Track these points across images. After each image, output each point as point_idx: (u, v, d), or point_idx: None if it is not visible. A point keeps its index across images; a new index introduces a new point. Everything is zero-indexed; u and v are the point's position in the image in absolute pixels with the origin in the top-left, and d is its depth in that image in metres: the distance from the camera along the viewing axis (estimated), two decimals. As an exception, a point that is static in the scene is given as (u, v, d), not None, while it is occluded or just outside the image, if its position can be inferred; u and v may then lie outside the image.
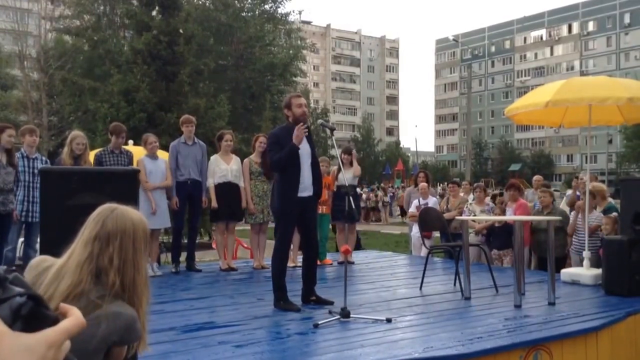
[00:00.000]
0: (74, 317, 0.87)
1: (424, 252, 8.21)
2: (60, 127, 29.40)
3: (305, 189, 5.46)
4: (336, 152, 6.74)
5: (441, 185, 35.08)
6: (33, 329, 0.79)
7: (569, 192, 9.68)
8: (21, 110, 30.18)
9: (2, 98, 32.12)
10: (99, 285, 1.91)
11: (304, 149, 5.46)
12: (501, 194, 9.19)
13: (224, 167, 7.65)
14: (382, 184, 39.62)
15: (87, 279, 1.89)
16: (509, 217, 7.70)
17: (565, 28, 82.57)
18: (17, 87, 33.98)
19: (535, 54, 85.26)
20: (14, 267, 1.00)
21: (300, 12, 43.59)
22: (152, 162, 7.40)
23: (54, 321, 0.83)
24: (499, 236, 8.14)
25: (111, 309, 1.86)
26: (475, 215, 8.23)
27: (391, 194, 29.02)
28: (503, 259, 8.18)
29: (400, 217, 28.14)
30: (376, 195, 30.79)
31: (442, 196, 13.86)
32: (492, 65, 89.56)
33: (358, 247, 14.12)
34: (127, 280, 1.93)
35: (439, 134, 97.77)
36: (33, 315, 0.81)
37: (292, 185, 5.38)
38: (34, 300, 0.83)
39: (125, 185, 3.57)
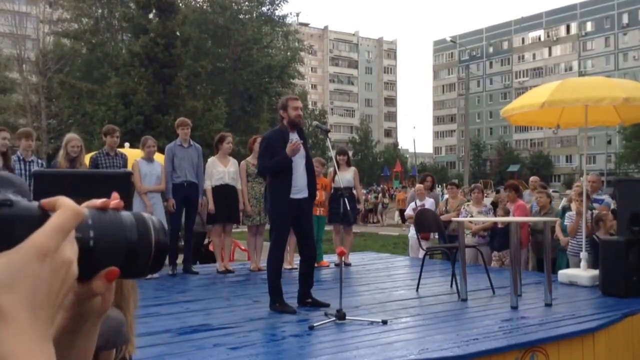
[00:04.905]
0: (64, 208, 0.59)
1: (421, 253, 8.20)
2: (59, 130, 29.35)
3: (300, 190, 5.44)
4: (332, 154, 6.73)
5: (439, 186, 34.99)
6: (9, 241, 0.57)
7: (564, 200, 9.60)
8: (20, 113, 30.14)
9: (1, 101, 32.06)
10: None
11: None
12: (498, 192, 9.19)
13: (221, 170, 7.64)
14: (381, 186, 39.65)
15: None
16: (505, 218, 7.69)
17: (563, 28, 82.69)
18: (16, 91, 33.94)
19: (534, 55, 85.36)
20: None
21: (297, 14, 43.74)
22: (147, 165, 7.39)
23: (40, 220, 0.59)
24: (499, 238, 8.11)
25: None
26: (472, 217, 8.22)
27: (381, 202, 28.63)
28: (504, 260, 8.15)
29: (400, 220, 27.33)
30: (376, 197, 30.75)
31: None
32: (490, 66, 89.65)
33: None
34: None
35: (437, 135, 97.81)
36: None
37: (285, 188, 5.36)
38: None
39: (118, 187, 3.56)
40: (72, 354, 0.67)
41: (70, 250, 0.58)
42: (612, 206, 7.74)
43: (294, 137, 5.50)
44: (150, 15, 16.87)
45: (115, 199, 0.65)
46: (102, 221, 0.64)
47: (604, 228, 6.92)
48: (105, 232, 0.63)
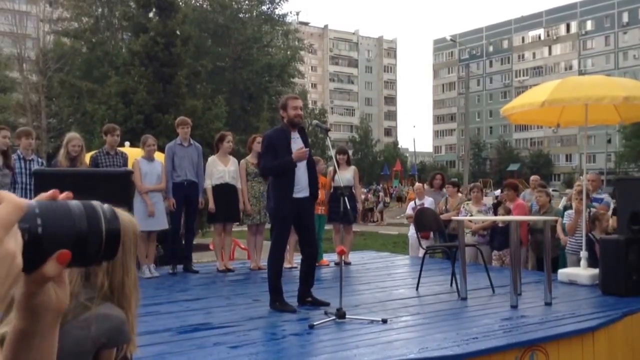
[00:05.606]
0: (6, 202, 0.59)
1: (421, 252, 8.19)
2: (59, 129, 29.33)
3: (301, 190, 5.44)
4: (332, 152, 6.73)
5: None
6: None
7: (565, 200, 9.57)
8: (20, 112, 30.12)
9: (2, 100, 32.06)
10: (88, 287, 1.90)
11: (300, 151, 5.45)
12: (502, 190, 9.19)
13: (221, 169, 7.65)
14: (381, 184, 39.64)
15: (77, 280, 1.88)
16: (504, 217, 7.69)
17: (563, 27, 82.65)
18: (16, 90, 33.93)
19: (534, 54, 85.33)
20: None
21: (297, 13, 43.73)
22: (147, 164, 7.40)
23: None
24: (499, 237, 8.11)
25: (100, 311, 1.85)
26: (472, 216, 8.22)
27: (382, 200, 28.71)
28: (504, 259, 8.15)
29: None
30: (378, 196, 30.74)
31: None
32: (490, 65, 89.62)
33: None
34: (115, 282, 1.92)
35: (437, 134, 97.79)
36: None
37: (287, 187, 5.37)
38: None
39: (118, 186, 3.57)
40: (31, 356, 0.66)
41: (14, 243, 0.58)
42: (612, 205, 7.75)
43: (295, 137, 5.50)
44: (150, 14, 16.87)
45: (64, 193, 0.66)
46: (50, 210, 0.65)
47: (599, 227, 6.93)
48: (53, 220, 0.65)
